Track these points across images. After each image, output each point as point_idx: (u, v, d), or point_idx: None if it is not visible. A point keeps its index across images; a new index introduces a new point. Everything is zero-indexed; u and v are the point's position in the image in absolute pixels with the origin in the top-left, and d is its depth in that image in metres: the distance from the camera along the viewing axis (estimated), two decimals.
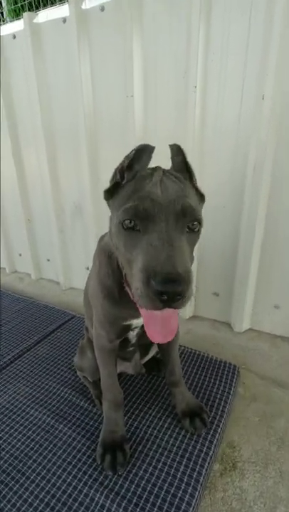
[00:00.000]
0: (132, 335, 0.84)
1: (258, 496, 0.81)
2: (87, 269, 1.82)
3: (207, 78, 1.15)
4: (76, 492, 0.77)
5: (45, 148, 1.61)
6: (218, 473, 0.87)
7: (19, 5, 1.54)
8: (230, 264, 1.38)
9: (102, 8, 1.26)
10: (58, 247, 1.83)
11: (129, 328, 0.79)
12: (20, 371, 1.19)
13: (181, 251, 0.50)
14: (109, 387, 0.86)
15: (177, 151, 0.60)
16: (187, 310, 1.53)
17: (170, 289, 0.46)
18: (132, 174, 0.59)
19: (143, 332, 0.84)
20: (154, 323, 0.58)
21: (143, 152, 0.57)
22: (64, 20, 1.35)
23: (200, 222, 0.56)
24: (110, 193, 0.62)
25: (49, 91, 1.52)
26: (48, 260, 1.99)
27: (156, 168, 0.60)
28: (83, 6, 1.29)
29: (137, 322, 0.78)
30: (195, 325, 1.52)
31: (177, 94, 1.21)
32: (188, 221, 0.54)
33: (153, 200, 0.52)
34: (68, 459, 0.85)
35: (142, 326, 0.81)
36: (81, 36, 1.32)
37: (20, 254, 2.13)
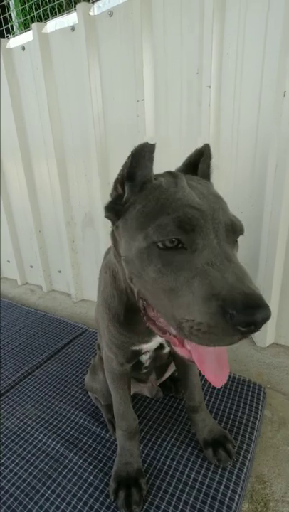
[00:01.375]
0: (145, 358, 0.76)
1: None
2: None
3: (222, 77, 1.08)
4: None
5: (55, 158, 1.58)
6: None
7: (28, 17, 1.54)
8: (252, 272, 1.28)
9: (111, 14, 1.23)
10: (69, 258, 1.78)
11: (139, 353, 0.71)
12: (30, 390, 1.12)
13: (243, 268, 0.41)
14: (123, 414, 0.78)
15: (210, 154, 0.53)
16: None
17: (260, 317, 0.36)
18: (137, 185, 0.50)
19: (156, 355, 0.76)
20: (209, 362, 0.46)
21: (141, 155, 0.48)
22: (72, 28, 1.33)
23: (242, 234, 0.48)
24: (115, 211, 0.52)
25: (59, 101, 1.50)
26: (60, 272, 1.94)
27: (174, 175, 0.51)
28: (91, 13, 1.27)
29: (147, 347, 0.69)
30: None
31: (190, 95, 1.16)
32: (238, 235, 0.46)
33: (198, 209, 0.43)
34: (78, 494, 0.76)
35: (156, 349, 0.73)
36: (90, 43, 1.30)
37: (31, 266, 2.10)
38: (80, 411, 1.01)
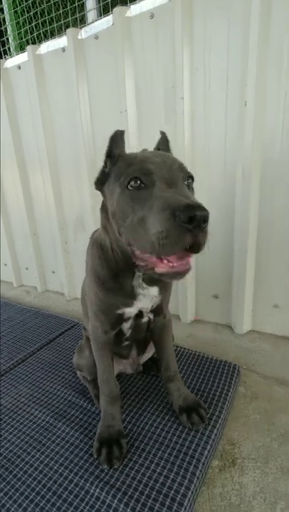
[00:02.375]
0: (126, 327, 0.87)
1: (257, 491, 0.79)
2: None
3: (193, 89, 1.24)
4: (72, 485, 0.77)
5: (48, 168, 1.71)
6: (216, 469, 0.85)
7: (24, 40, 1.71)
8: (227, 265, 1.41)
9: (97, 37, 1.39)
10: (62, 259, 1.89)
11: (122, 317, 0.82)
12: (23, 374, 1.21)
13: (189, 192, 0.55)
14: (106, 380, 0.87)
15: (166, 138, 0.74)
16: (188, 314, 1.54)
17: (199, 213, 0.47)
18: (114, 159, 0.67)
19: (136, 325, 0.87)
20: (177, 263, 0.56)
21: (116, 138, 0.68)
22: (63, 49, 1.49)
23: (192, 179, 0.64)
24: (101, 182, 0.70)
25: (52, 114, 1.65)
26: (53, 272, 2.05)
27: (143, 149, 0.70)
28: (79, 37, 1.43)
29: (129, 311, 0.80)
30: (196, 329, 1.52)
31: (166, 105, 1.31)
32: (186, 177, 0.61)
33: (153, 161, 0.59)
34: (66, 455, 0.85)
35: (136, 317, 0.84)
36: (78, 62, 1.45)
37: (26, 268, 2.20)
38: (69, 389, 1.10)
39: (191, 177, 0.63)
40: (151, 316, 0.87)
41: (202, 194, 1.36)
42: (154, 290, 0.79)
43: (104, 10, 1.45)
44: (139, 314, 0.83)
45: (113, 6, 1.31)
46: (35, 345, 1.41)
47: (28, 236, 2.02)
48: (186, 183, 0.61)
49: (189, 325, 1.55)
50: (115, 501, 0.72)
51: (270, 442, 0.91)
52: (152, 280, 0.78)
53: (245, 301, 1.37)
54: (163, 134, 0.76)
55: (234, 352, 1.33)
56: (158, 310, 0.86)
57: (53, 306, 1.93)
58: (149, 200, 0.54)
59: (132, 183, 0.58)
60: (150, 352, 1.09)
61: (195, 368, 1.16)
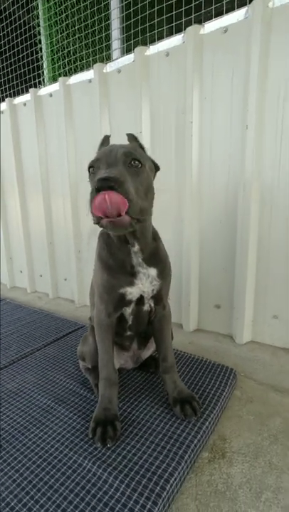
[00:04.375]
0: (128, 312, 0.94)
1: (244, 481, 0.81)
2: None
3: (201, 115, 1.39)
4: (66, 458, 0.81)
5: (68, 185, 1.89)
6: (206, 460, 0.88)
7: (57, 73, 1.97)
8: (230, 276, 1.48)
9: (119, 71, 1.60)
10: (75, 267, 2.01)
11: (124, 298, 0.90)
12: (30, 365, 1.28)
13: (119, 173, 0.69)
14: (105, 363, 0.94)
15: (132, 137, 0.87)
16: (191, 322, 1.59)
17: (99, 184, 0.66)
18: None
19: (137, 312, 0.95)
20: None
21: (104, 140, 0.90)
22: (90, 80, 1.71)
23: (140, 161, 0.75)
24: None
25: (76, 136, 1.85)
26: (65, 279, 2.16)
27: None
28: (104, 70, 1.65)
29: (130, 292, 0.89)
30: (198, 337, 1.56)
31: (177, 128, 1.46)
32: (129, 160, 0.74)
33: (103, 152, 0.77)
34: (63, 433, 0.90)
35: (137, 303, 0.92)
36: (102, 91, 1.66)
37: (41, 275, 2.33)
38: (71, 379, 1.16)
39: (134, 159, 0.75)
40: (152, 304, 0.94)
41: (207, 207, 1.47)
42: (152, 271, 0.89)
43: (127, 49, 1.67)
44: (140, 300, 0.91)
45: (135, 45, 1.53)
46: (42, 341, 1.49)
47: (45, 245, 2.17)
48: (132, 163, 0.74)
49: (191, 333, 1.60)
50: (105, 474, 0.76)
51: (261, 441, 0.93)
52: (151, 262, 0.89)
53: (245, 311, 1.42)
54: (130, 135, 0.90)
55: (233, 360, 1.36)
56: (158, 297, 0.94)
57: (62, 311, 2.02)
58: (93, 182, 0.71)
59: (91, 169, 0.78)
60: (151, 349, 1.14)
61: (193, 369, 1.20)
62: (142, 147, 0.87)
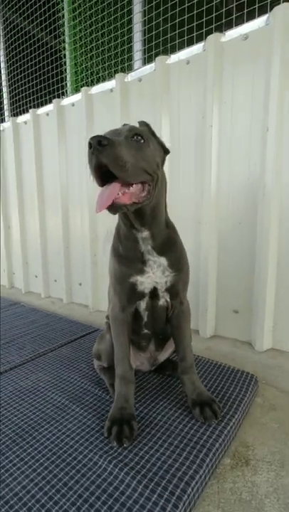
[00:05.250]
0: (142, 307, 0.92)
1: (271, 491, 0.75)
2: None
3: (220, 119, 1.41)
4: (81, 456, 0.78)
5: (87, 198, 1.93)
6: (228, 466, 0.82)
7: (79, 84, 2.05)
8: (249, 279, 1.44)
9: (140, 80, 1.66)
10: (90, 271, 2.01)
11: (136, 288, 0.88)
12: (44, 364, 1.26)
13: (117, 138, 0.71)
14: (121, 360, 0.91)
15: (144, 123, 0.88)
16: (208, 329, 1.55)
17: (90, 140, 0.67)
18: None
19: (153, 307, 0.92)
20: (101, 194, 0.72)
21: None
22: (111, 90, 1.77)
23: (142, 137, 0.77)
24: None
25: None
26: (80, 284, 2.16)
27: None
28: (126, 80, 1.71)
29: (142, 281, 0.87)
30: (215, 343, 1.51)
31: (197, 132, 1.48)
32: (132, 134, 0.76)
33: (110, 130, 0.80)
34: (78, 431, 0.87)
35: (151, 297, 0.90)
36: (123, 99, 1.71)
37: (55, 280, 2.34)
38: (85, 379, 1.13)
39: (136, 134, 0.76)
40: (168, 299, 0.92)
41: (226, 209, 1.46)
42: (163, 260, 0.87)
43: (148, 59, 1.73)
44: (154, 293, 0.89)
45: (156, 55, 1.58)
46: (56, 342, 1.47)
47: (61, 249, 2.19)
48: (134, 138, 0.76)
49: (208, 339, 1.55)
50: (122, 473, 0.72)
51: (287, 449, 0.87)
52: (162, 250, 0.88)
53: (265, 316, 1.37)
54: (141, 122, 0.90)
55: (252, 367, 1.30)
56: (173, 291, 0.91)
57: (76, 315, 2.00)
58: None
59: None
60: (168, 350, 1.11)
61: (211, 374, 1.15)
62: (152, 132, 0.87)
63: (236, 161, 1.40)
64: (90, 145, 0.67)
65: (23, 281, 2.57)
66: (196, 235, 1.55)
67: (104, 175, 0.71)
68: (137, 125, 0.88)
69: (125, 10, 1.76)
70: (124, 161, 0.69)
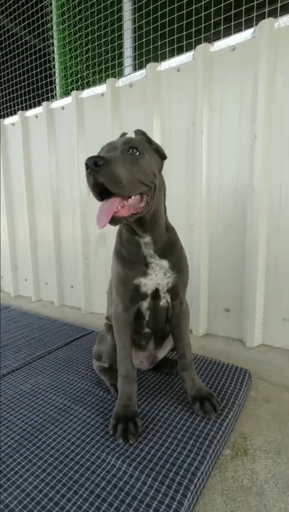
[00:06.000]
0: (145, 306, 0.95)
1: (269, 477, 0.80)
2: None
3: (210, 125, 1.47)
4: (88, 454, 0.80)
5: (79, 202, 1.94)
6: (228, 457, 0.87)
7: (69, 88, 2.06)
8: (239, 278, 1.50)
9: (131, 85, 1.69)
10: (82, 273, 2.02)
11: (139, 290, 0.91)
12: (42, 367, 1.27)
13: (112, 155, 0.74)
14: (124, 359, 0.94)
15: (140, 132, 0.90)
16: (200, 327, 1.60)
17: (86, 161, 0.70)
18: None
19: (154, 307, 0.96)
20: (100, 210, 0.75)
21: (121, 136, 0.95)
22: (102, 94, 1.80)
23: (137, 149, 0.79)
24: None
25: (87, 148, 1.92)
26: (72, 287, 2.16)
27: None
28: (117, 85, 1.74)
29: (145, 283, 0.90)
30: (208, 341, 1.56)
31: (187, 139, 1.53)
32: (127, 147, 0.78)
33: (107, 143, 0.85)
34: (83, 431, 0.89)
35: (153, 297, 0.94)
36: (114, 103, 1.74)
37: (46, 283, 2.33)
38: (85, 380, 1.15)
39: (132, 147, 0.79)
40: (169, 299, 0.95)
41: (217, 212, 1.52)
42: (165, 263, 0.91)
43: (138, 65, 1.77)
44: (156, 293, 0.93)
45: (146, 62, 1.62)
46: (52, 345, 1.48)
47: (52, 252, 2.18)
48: (130, 151, 0.78)
49: (201, 338, 1.60)
50: (130, 468, 0.75)
51: (282, 438, 0.93)
52: (164, 254, 0.91)
53: (256, 314, 1.43)
54: (137, 131, 0.93)
55: (245, 363, 1.36)
56: (174, 292, 0.95)
57: (68, 318, 2.00)
58: None
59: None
60: (167, 348, 1.14)
61: (207, 371, 1.20)
62: (148, 140, 0.89)
63: (226, 167, 1.47)
64: (87, 166, 0.70)
65: (13, 284, 2.53)
66: (188, 237, 1.60)
67: (102, 191, 0.74)
68: (133, 134, 0.91)
69: (115, 16, 1.79)
70: (120, 177, 0.71)
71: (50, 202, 2.13)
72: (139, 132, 0.91)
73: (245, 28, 1.35)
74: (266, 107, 1.30)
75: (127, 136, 0.91)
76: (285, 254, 1.38)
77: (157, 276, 0.91)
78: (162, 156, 0.92)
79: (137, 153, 0.79)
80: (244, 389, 1.09)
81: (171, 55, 1.59)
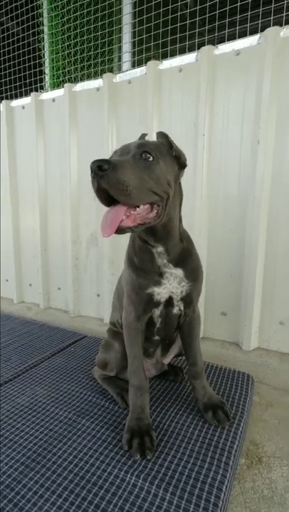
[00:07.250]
0: (157, 314, 0.92)
1: (288, 485, 0.80)
2: (98, 295, 1.90)
3: (212, 129, 1.46)
4: (106, 474, 0.75)
5: (69, 200, 1.85)
6: (244, 466, 0.86)
7: (60, 79, 1.95)
8: (237, 282, 1.51)
9: (130, 82, 1.64)
10: (71, 274, 1.94)
11: (152, 299, 0.87)
12: (38, 377, 1.19)
13: (120, 160, 0.70)
14: (136, 370, 0.90)
15: (161, 135, 0.84)
16: None
17: (91, 165, 0.66)
18: None
19: (166, 315, 0.93)
20: (105, 218, 0.71)
21: (141, 137, 0.91)
22: (97, 89, 1.72)
23: (151, 154, 0.74)
24: None
25: (78, 145, 1.83)
26: (59, 289, 2.07)
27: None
28: (114, 80, 1.67)
29: (158, 292, 0.87)
30: (205, 345, 1.56)
31: (188, 141, 1.51)
32: (140, 152, 0.73)
33: (122, 145, 0.80)
34: (94, 447, 0.84)
35: (166, 305, 0.90)
36: (111, 100, 1.68)
37: (30, 284, 2.20)
38: (88, 390, 1.09)
39: (145, 151, 0.74)
40: (182, 307, 0.93)
41: (217, 215, 1.51)
42: (180, 272, 0.88)
43: (137, 62, 1.72)
44: (170, 301, 0.90)
45: (146, 59, 1.58)
46: (46, 352, 1.39)
47: (38, 251, 2.07)
48: (143, 156, 0.73)
49: None
50: (153, 487, 0.71)
51: None
52: (178, 263, 0.88)
53: (253, 318, 1.45)
54: (159, 133, 0.87)
55: (243, 366, 1.37)
56: (188, 300, 0.91)
57: (56, 321, 1.91)
58: None
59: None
60: (172, 353, 1.11)
61: (210, 376, 1.19)
62: (170, 145, 0.83)
63: (227, 171, 1.47)
64: (92, 169, 0.66)
65: None
66: None
67: (109, 196, 0.69)
68: (154, 137, 0.86)
69: (114, 8, 1.72)
70: (126, 185, 0.66)
71: (36, 199, 2.01)
72: (161, 135, 0.84)
73: (250, 34, 1.36)
74: (269, 113, 1.32)
75: (145, 138, 0.86)
76: (282, 259, 1.41)
77: (171, 285, 0.88)
78: (182, 164, 0.85)
79: (151, 158, 0.73)
80: (249, 394, 1.09)
81: (173, 54, 1.55)
